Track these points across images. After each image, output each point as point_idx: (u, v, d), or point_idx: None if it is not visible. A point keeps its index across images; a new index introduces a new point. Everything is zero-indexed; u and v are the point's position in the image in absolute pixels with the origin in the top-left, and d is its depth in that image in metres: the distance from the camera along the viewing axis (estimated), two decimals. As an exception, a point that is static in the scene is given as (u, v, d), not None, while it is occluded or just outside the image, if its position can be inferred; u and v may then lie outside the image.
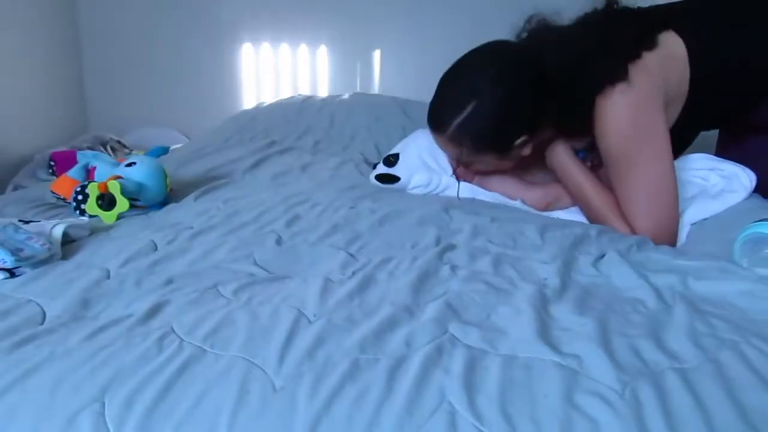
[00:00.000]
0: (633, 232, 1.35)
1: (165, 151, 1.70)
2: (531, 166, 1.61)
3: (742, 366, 0.74)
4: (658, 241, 1.29)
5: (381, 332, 0.80)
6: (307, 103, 2.44)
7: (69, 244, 1.14)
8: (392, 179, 1.62)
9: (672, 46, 1.42)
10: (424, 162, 1.61)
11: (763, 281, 0.99)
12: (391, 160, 1.64)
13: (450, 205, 1.45)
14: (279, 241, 1.18)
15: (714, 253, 1.17)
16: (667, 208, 1.36)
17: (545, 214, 1.51)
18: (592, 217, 1.44)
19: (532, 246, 1.19)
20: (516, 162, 1.54)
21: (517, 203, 1.55)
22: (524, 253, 1.15)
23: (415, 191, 1.62)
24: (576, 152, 1.53)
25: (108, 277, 1.00)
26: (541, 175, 1.62)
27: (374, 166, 1.70)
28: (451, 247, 1.17)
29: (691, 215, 1.42)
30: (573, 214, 1.50)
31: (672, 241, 1.36)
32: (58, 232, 1.12)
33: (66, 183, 1.42)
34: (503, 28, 2.59)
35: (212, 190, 1.55)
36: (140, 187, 1.35)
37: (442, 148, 1.54)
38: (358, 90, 2.70)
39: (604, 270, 1.07)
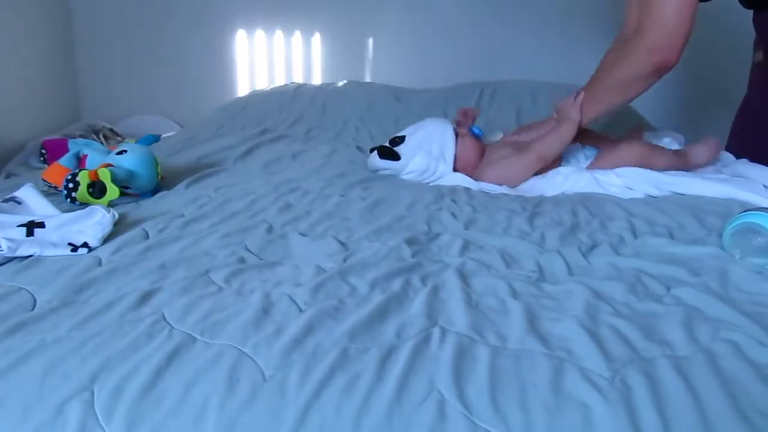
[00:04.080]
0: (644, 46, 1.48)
1: (156, 139, 1.69)
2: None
3: (736, 356, 0.74)
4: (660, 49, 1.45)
5: (371, 321, 0.80)
6: (300, 91, 2.44)
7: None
8: (393, 155, 1.62)
9: None
10: (428, 149, 1.62)
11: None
12: (397, 141, 1.66)
13: (440, 193, 1.45)
14: (270, 229, 1.18)
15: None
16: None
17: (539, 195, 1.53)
18: (617, 82, 1.57)
19: (521, 234, 1.19)
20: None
21: (505, 189, 1.55)
22: (513, 241, 1.15)
23: (409, 176, 1.62)
24: None
25: (99, 264, 1.00)
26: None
27: (373, 149, 1.70)
28: (441, 236, 1.17)
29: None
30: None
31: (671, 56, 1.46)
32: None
33: (57, 171, 1.41)
34: (496, 18, 2.59)
35: (203, 178, 1.55)
36: (131, 174, 1.34)
37: None
38: (352, 78, 2.69)
39: (594, 260, 1.07)
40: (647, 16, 1.48)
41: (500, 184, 1.58)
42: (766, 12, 1.68)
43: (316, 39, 2.72)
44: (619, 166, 1.57)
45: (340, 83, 2.51)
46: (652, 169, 1.55)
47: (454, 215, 1.29)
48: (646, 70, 1.50)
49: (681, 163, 1.63)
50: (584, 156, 1.68)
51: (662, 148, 1.67)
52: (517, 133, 1.80)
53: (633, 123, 2.09)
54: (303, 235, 1.16)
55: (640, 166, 1.56)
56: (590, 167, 1.62)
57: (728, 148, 1.82)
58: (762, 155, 1.59)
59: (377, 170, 1.66)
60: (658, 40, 1.46)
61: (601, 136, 1.80)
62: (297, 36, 2.72)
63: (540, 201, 1.44)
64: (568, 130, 1.60)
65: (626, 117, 2.15)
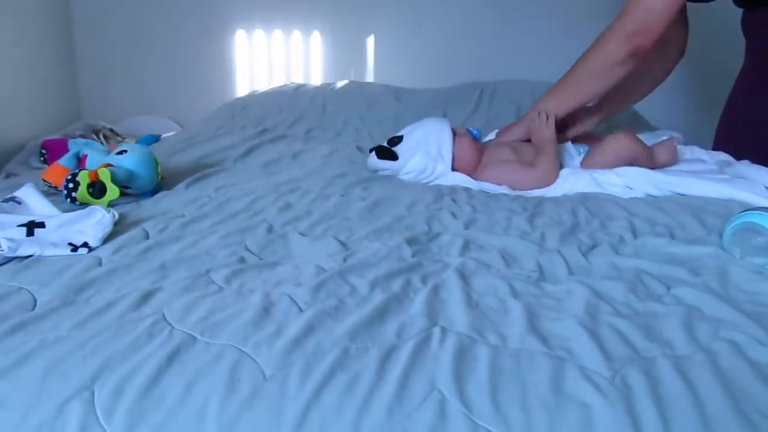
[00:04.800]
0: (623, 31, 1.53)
1: (156, 139, 1.69)
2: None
3: (736, 356, 0.74)
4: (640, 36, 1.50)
5: (371, 321, 0.80)
6: (299, 91, 2.44)
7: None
8: (391, 155, 1.62)
9: None
10: (426, 148, 1.62)
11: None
12: (395, 141, 1.66)
13: (440, 193, 1.45)
14: (270, 229, 1.18)
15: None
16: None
17: (539, 194, 1.53)
18: (594, 67, 1.62)
19: (521, 234, 1.19)
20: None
21: (504, 189, 1.55)
22: (514, 241, 1.15)
23: (407, 176, 1.62)
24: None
25: (99, 264, 1.00)
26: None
27: (372, 150, 1.70)
28: (441, 235, 1.17)
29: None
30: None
31: (648, 42, 1.51)
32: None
33: (57, 171, 1.41)
34: (496, 17, 2.59)
35: (204, 178, 1.55)
36: (131, 174, 1.34)
37: None
38: (352, 77, 2.69)
39: (594, 260, 1.07)
40: (633, 1, 1.52)
41: (500, 184, 1.58)
42: (753, 11, 1.68)
43: (316, 38, 2.72)
44: (611, 160, 1.58)
45: (340, 83, 2.51)
46: (639, 164, 1.57)
47: (454, 215, 1.29)
48: (622, 54, 1.54)
49: (652, 161, 1.64)
50: (577, 152, 1.69)
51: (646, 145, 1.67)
52: (500, 136, 1.81)
53: (631, 122, 2.10)
54: (303, 235, 1.16)
55: (630, 161, 1.57)
56: (584, 165, 1.62)
57: (716, 149, 1.81)
58: (761, 154, 1.59)
59: (376, 170, 1.66)
60: (639, 24, 1.50)
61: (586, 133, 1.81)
62: (296, 35, 2.72)
63: (540, 201, 1.44)
64: (554, 149, 1.62)
65: (625, 116, 2.15)
